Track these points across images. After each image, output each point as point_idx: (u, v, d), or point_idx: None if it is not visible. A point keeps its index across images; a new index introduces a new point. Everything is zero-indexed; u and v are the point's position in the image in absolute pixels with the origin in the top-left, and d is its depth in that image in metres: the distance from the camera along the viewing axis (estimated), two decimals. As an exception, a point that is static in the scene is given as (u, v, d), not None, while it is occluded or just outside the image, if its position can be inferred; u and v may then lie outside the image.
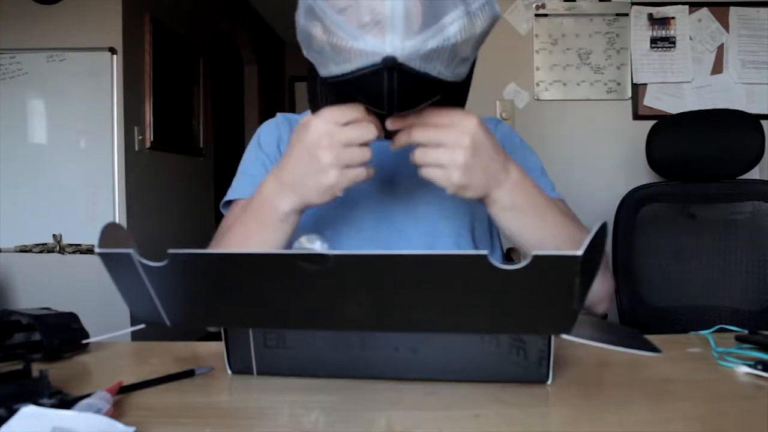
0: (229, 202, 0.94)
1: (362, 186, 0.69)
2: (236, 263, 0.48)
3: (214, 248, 0.81)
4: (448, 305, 0.46)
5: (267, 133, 0.97)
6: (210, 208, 3.75)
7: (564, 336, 0.47)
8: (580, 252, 0.40)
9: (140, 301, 0.51)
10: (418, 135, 0.66)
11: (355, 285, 0.46)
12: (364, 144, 0.65)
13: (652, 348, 0.54)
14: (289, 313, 0.50)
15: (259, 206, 0.72)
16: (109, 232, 0.51)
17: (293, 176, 0.67)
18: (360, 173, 0.66)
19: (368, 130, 0.65)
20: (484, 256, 0.41)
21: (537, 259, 0.41)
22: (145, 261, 0.48)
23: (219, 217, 0.90)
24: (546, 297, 0.44)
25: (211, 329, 0.69)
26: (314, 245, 0.43)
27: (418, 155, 0.66)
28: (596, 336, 0.52)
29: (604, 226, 0.43)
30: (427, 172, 0.66)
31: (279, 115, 1.00)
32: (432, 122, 0.66)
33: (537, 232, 0.74)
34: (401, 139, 0.68)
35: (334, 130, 0.64)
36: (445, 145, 0.65)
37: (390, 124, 0.67)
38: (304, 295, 0.47)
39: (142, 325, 0.55)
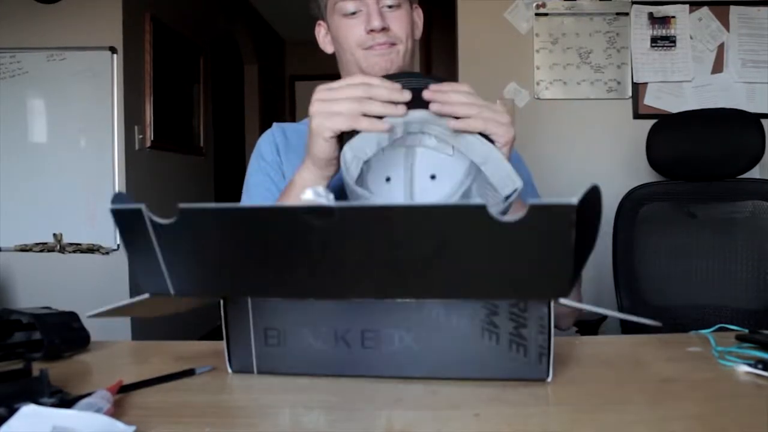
0: None
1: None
2: (243, 216, 0.48)
3: None
4: (448, 262, 0.46)
5: (265, 143, 1.01)
6: (210, 207, 3.75)
7: (562, 300, 0.47)
8: (574, 200, 0.41)
9: (147, 268, 0.52)
10: (466, 97, 0.72)
11: (359, 238, 0.46)
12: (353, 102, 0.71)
13: (652, 322, 0.54)
14: (294, 278, 0.50)
15: (286, 193, 0.81)
16: (118, 200, 0.52)
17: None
18: (341, 121, 0.70)
19: (356, 86, 0.71)
20: (483, 207, 0.42)
21: (534, 208, 0.41)
22: (154, 218, 0.48)
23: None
24: (544, 253, 0.45)
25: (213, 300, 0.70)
26: (320, 198, 0.44)
27: (475, 110, 0.71)
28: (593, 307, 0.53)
29: (595, 188, 0.44)
30: (489, 126, 0.71)
31: (274, 124, 1.04)
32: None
33: None
34: (443, 108, 0.72)
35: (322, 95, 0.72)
36: (499, 111, 0.72)
37: (428, 95, 0.72)
38: (309, 255, 0.48)
39: (146, 295, 0.55)
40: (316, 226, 0.45)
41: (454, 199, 0.75)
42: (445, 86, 0.73)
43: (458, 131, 0.74)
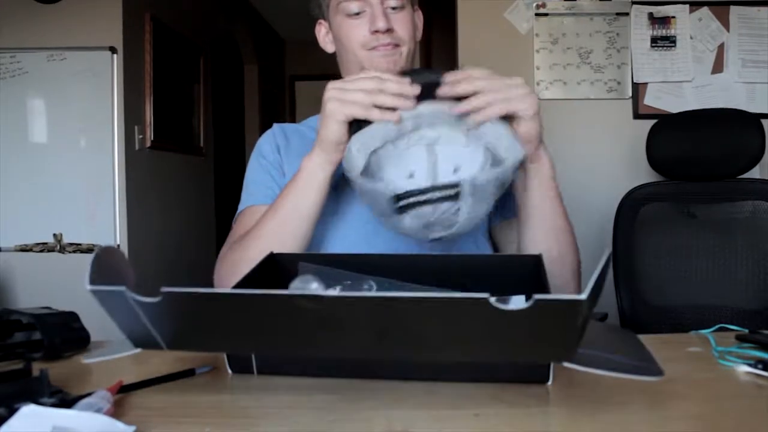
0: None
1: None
2: (231, 302, 0.47)
3: (243, 240, 0.86)
4: (447, 340, 0.46)
5: (265, 142, 1.02)
6: (210, 207, 3.75)
7: (566, 364, 0.47)
8: (584, 296, 0.40)
9: (135, 329, 0.50)
10: (487, 83, 0.74)
11: (353, 323, 0.46)
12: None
13: (655, 371, 0.53)
14: (288, 343, 0.50)
15: (293, 178, 0.83)
16: (103, 259, 0.50)
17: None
18: (355, 108, 0.74)
19: (369, 79, 0.75)
20: (485, 299, 0.41)
21: (540, 302, 0.40)
22: (139, 298, 0.46)
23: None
24: (548, 333, 0.44)
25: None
26: (310, 286, 0.43)
27: (499, 93, 0.73)
28: (598, 361, 0.52)
29: (609, 258, 0.43)
30: (511, 105, 0.74)
31: (275, 125, 1.05)
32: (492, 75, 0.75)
33: (552, 217, 0.85)
34: (472, 102, 0.74)
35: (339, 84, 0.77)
36: (516, 85, 0.75)
37: (446, 90, 0.74)
38: (302, 331, 0.47)
39: (138, 350, 0.54)
40: (307, 311, 0.44)
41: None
42: (460, 74, 0.75)
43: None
